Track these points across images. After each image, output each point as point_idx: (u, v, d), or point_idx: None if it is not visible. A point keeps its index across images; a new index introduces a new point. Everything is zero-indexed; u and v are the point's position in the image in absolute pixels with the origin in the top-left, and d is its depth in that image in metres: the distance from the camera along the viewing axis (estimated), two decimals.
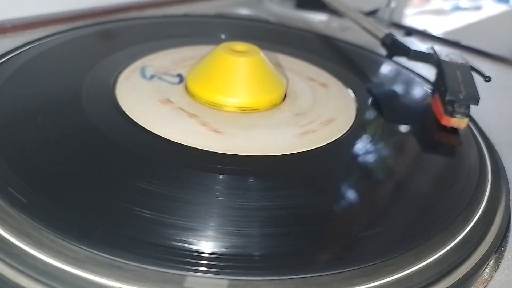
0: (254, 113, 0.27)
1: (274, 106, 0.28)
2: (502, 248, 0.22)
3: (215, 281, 0.16)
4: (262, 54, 0.29)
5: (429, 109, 0.30)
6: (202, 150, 0.23)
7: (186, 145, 0.23)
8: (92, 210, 0.19)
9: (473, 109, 0.30)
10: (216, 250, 0.18)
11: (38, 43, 0.32)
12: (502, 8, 0.89)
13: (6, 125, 0.23)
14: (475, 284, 0.20)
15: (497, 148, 0.29)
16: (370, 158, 0.25)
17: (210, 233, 0.18)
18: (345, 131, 0.27)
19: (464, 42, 0.50)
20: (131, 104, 0.26)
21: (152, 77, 0.29)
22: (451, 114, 0.27)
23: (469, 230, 0.21)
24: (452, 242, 0.20)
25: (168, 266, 0.17)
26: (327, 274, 0.17)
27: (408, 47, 0.31)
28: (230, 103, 0.27)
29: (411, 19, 0.70)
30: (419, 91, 0.35)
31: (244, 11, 0.50)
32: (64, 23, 0.41)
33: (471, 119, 0.31)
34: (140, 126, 0.24)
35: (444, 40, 0.50)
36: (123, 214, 0.19)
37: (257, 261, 0.18)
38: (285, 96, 0.30)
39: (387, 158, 0.26)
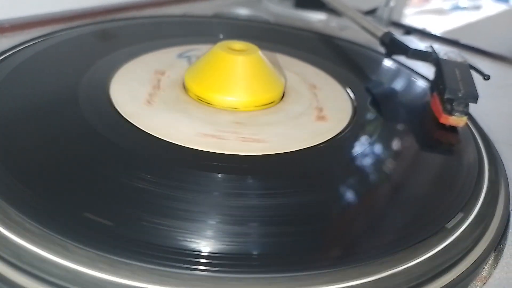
0: (252, 111, 0.27)
1: (272, 104, 0.28)
2: (501, 246, 0.22)
3: None
4: (260, 52, 0.29)
5: (428, 107, 0.30)
6: (196, 149, 0.23)
7: (179, 145, 0.23)
8: (87, 208, 0.19)
9: (473, 108, 0.30)
10: (212, 249, 0.18)
11: (34, 42, 0.32)
12: (501, 7, 0.88)
13: (2, 124, 0.23)
14: (474, 282, 0.20)
15: (497, 146, 0.29)
16: (368, 157, 0.25)
17: (203, 232, 0.18)
18: (342, 130, 0.27)
19: (464, 41, 0.50)
20: (125, 104, 0.26)
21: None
22: (450, 113, 0.27)
23: (467, 228, 0.21)
24: (450, 240, 0.20)
25: (168, 265, 0.16)
26: (322, 272, 0.17)
27: (406, 46, 0.31)
28: (227, 101, 0.27)
29: (410, 18, 0.70)
30: (418, 89, 0.35)
31: (243, 11, 0.50)
32: (63, 22, 0.41)
33: (471, 118, 0.31)
34: (133, 124, 0.24)
35: (443, 39, 0.50)
36: (121, 212, 0.19)
37: (254, 259, 0.17)
38: (283, 95, 0.30)
39: (385, 157, 0.26)
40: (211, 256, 0.17)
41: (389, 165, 0.25)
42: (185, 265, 0.17)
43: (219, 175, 0.21)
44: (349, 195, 0.22)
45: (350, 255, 0.19)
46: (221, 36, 0.34)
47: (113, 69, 0.30)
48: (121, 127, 0.24)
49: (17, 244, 0.17)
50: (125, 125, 0.24)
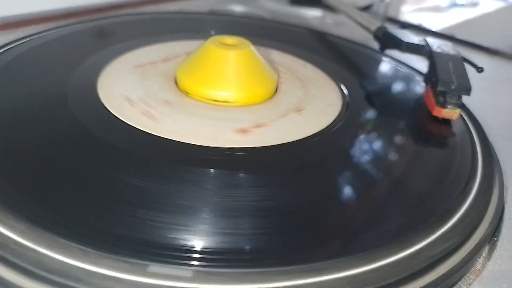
0: (244, 106, 0.27)
1: (265, 99, 0.28)
2: (495, 239, 0.22)
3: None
4: (252, 47, 0.29)
5: (422, 101, 0.30)
6: (185, 143, 0.23)
7: (168, 139, 0.23)
8: (76, 205, 0.19)
9: (469, 102, 0.30)
10: (203, 244, 0.17)
11: (25, 40, 0.32)
12: (499, 4, 0.88)
13: None
14: (468, 274, 0.20)
15: (492, 139, 0.29)
16: (359, 150, 0.25)
17: (195, 227, 0.18)
18: (334, 124, 0.27)
19: (460, 36, 0.50)
20: (113, 100, 0.26)
21: None
22: (443, 105, 0.27)
23: (461, 220, 0.21)
24: (443, 232, 0.20)
25: (159, 260, 0.16)
26: (315, 264, 0.17)
27: (400, 39, 0.31)
28: (219, 96, 0.27)
29: (408, 16, 0.70)
30: (411, 83, 0.35)
31: (238, 8, 0.50)
32: (56, 21, 0.41)
33: (466, 111, 0.31)
34: (120, 120, 0.24)
35: (439, 34, 0.50)
36: (111, 211, 0.18)
37: (246, 253, 0.17)
38: (276, 90, 0.30)
39: (377, 150, 0.26)
40: (203, 252, 0.17)
41: (381, 158, 0.25)
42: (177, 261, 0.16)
43: (212, 170, 0.21)
44: (341, 189, 0.22)
45: (343, 247, 0.18)
46: (212, 32, 0.34)
47: (103, 65, 0.30)
48: (107, 122, 0.24)
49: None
50: (111, 120, 0.24)
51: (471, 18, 0.81)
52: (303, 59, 0.35)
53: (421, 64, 0.32)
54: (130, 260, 0.16)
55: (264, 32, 0.41)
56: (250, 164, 0.22)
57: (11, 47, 0.31)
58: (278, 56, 0.35)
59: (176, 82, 0.29)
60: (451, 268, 0.19)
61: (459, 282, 0.20)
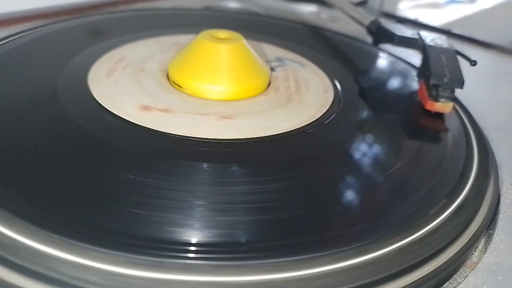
0: (236, 100, 0.27)
1: (257, 93, 0.28)
2: (491, 231, 0.22)
3: None
4: (244, 41, 0.28)
5: (415, 95, 0.30)
6: (178, 136, 0.23)
7: (158, 131, 0.23)
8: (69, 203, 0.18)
9: (465, 95, 0.30)
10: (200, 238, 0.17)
11: (16, 37, 0.32)
12: (497, 0, 0.88)
13: None
14: (464, 267, 0.20)
15: (488, 133, 0.29)
16: (351, 144, 0.25)
17: (192, 222, 0.18)
18: (327, 117, 0.27)
19: (457, 31, 0.50)
20: (107, 95, 0.26)
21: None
22: (436, 99, 0.27)
23: (456, 213, 0.21)
24: (438, 225, 0.20)
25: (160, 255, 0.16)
26: (309, 257, 0.17)
27: (393, 33, 0.31)
28: (212, 90, 0.27)
29: (405, 12, 0.70)
30: (406, 78, 0.35)
31: (233, 4, 0.50)
32: (49, 18, 0.40)
33: (461, 105, 0.31)
34: (117, 115, 0.24)
35: (435, 29, 0.50)
36: (106, 207, 0.18)
37: (242, 246, 0.17)
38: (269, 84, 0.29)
39: (370, 144, 0.25)
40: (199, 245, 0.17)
41: (374, 152, 0.25)
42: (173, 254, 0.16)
43: (205, 163, 0.21)
44: (332, 183, 0.22)
45: (335, 240, 0.18)
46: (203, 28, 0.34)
47: (93, 61, 0.30)
48: (97, 113, 0.24)
49: None
50: (101, 112, 0.24)
51: (469, 14, 0.81)
52: (297, 53, 0.35)
53: (417, 58, 0.32)
54: (122, 254, 0.16)
55: (258, 27, 0.41)
56: (240, 157, 0.22)
57: (2, 43, 0.31)
58: (272, 50, 0.35)
59: (168, 76, 0.28)
60: (446, 261, 0.19)
61: (455, 275, 0.20)
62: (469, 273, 0.20)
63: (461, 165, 0.24)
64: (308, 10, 0.52)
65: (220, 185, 0.20)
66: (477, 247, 0.21)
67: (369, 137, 0.26)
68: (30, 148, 0.21)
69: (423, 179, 0.23)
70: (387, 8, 0.54)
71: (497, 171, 0.26)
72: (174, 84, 0.28)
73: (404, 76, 0.35)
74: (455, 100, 0.27)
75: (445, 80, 0.26)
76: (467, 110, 0.30)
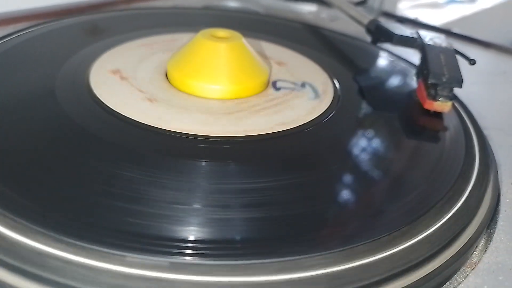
0: (235, 99, 0.27)
1: (257, 92, 0.28)
2: (491, 231, 0.22)
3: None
4: (243, 40, 0.28)
5: (414, 94, 0.30)
6: (177, 134, 0.23)
7: (163, 129, 0.23)
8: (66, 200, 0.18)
9: (464, 94, 0.30)
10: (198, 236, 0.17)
11: (14, 36, 0.32)
12: (497, 0, 0.88)
13: None
14: (464, 267, 0.20)
15: (488, 132, 0.29)
16: (350, 143, 0.25)
17: (189, 219, 0.18)
18: (325, 115, 0.26)
19: (456, 30, 0.50)
20: (108, 94, 0.26)
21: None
22: (434, 98, 0.27)
23: (456, 213, 0.21)
24: (439, 225, 0.20)
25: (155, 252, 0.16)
26: (309, 257, 0.17)
27: (391, 32, 0.31)
28: (210, 89, 0.27)
29: (405, 12, 0.70)
30: (405, 77, 0.34)
31: (232, 3, 0.50)
32: (48, 18, 0.40)
33: (461, 104, 0.31)
34: (119, 114, 0.24)
35: (435, 28, 0.50)
36: (103, 203, 0.18)
37: (238, 244, 0.17)
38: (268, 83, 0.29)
39: (369, 144, 0.25)
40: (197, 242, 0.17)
41: (372, 152, 0.25)
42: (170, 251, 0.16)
43: (203, 161, 0.21)
44: (330, 181, 0.22)
45: (335, 239, 0.18)
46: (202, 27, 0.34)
47: (92, 60, 0.29)
48: (101, 115, 0.24)
49: None
50: (105, 114, 0.24)
51: (469, 14, 0.81)
52: (297, 52, 0.35)
53: (416, 57, 0.32)
54: (118, 252, 0.16)
55: (258, 26, 0.41)
56: (238, 154, 0.22)
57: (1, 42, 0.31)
58: (271, 49, 0.35)
59: (166, 75, 0.28)
60: (446, 261, 0.19)
61: (455, 275, 0.20)
62: (470, 273, 0.20)
63: (461, 164, 0.24)
64: (308, 9, 0.52)
65: (218, 183, 0.20)
66: (477, 246, 0.21)
67: (368, 136, 0.26)
68: (29, 147, 0.21)
69: (422, 178, 0.22)
70: (387, 7, 0.54)
71: (497, 171, 0.26)
72: (173, 83, 0.28)
73: (403, 75, 0.35)
74: (454, 99, 0.27)
75: (444, 79, 0.26)
76: (467, 109, 0.30)
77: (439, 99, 0.27)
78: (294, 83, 0.29)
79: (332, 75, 0.32)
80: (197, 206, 0.19)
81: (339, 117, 0.27)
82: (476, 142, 0.27)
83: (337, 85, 0.31)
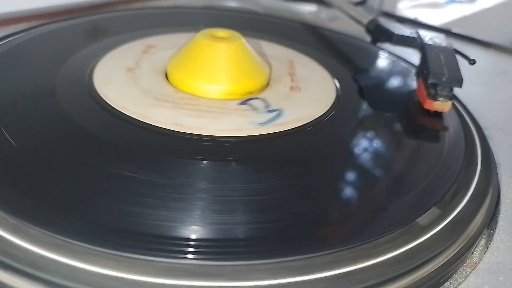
0: (235, 99, 0.27)
1: (257, 92, 0.28)
2: (491, 231, 0.22)
3: None
4: (243, 40, 0.28)
5: (414, 94, 0.30)
6: (181, 135, 0.23)
7: (165, 128, 0.23)
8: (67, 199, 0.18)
9: (464, 94, 0.30)
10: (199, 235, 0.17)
11: (14, 37, 0.32)
12: (496, 0, 0.88)
13: None
14: (464, 267, 0.20)
15: (486, 132, 0.29)
16: (350, 143, 0.25)
17: (191, 219, 0.18)
18: (325, 115, 0.26)
19: (456, 30, 0.50)
20: (110, 94, 0.26)
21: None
22: (434, 98, 0.27)
23: (457, 212, 0.21)
24: (440, 225, 0.20)
25: (155, 255, 0.16)
26: (310, 257, 0.17)
27: (391, 32, 0.31)
28: (210, 89, 0.27)
29: (405, 12, 0.70)
30: (405, 77, 0.34)
31: (232, 3, 0.50)
32: (49, 18, 0.40)
33: (461, 104, 0.31)
34: (124, 114, 0.24)
35: (435, 28, 0.50)
36: (105, 205, 0.18)
37: (241, 245, 0.17)
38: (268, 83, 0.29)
39: (369, 144, 0.25)
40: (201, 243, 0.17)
41: (372, 152, 0.25)
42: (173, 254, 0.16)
43: (203, 161, 0.21)
44: (330, 180, 0.22)
45: (335, 240, 0.18)
46: (202, 26, 0.34)
47: (94, 59, 0.29)
48: (105, 114, 0.24)
49: None
50: (108, 112, 0.24)
51: (469, 14, 0.81)
52: (297, 52, 0.35)
53: (416, 57, 0.32)
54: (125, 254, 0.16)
55: (258, 26, 0.41)
56: (238, 154, 0.22)
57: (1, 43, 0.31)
58: (271, 49, 0.35)
59: (166, 75, 0.28)
60: (446, 261, 0.19)
61: (455, 275, 0.20)
62: (470, 273, 0.20)
63: (461, 164, 0.24)
64: (308, 9, 0.52)
65: (219, 182, 0.20)
66: (477, 246, 0.21)
67: (368, 136, 0.25)
68: (30, 147, 0.21)
69: (422, 178, 0.22)
70: (387, 7, 0.54)
71: (497, 171, 0.26)
72: (172, 83, 0.28)
73: (403, 75, 0.35)
74: (454, 99, 0.27)
75: (444, 79, 0.26)
76: (467, 109, 0.30)
77: (439, 99, 0.27)
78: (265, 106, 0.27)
79: (332, 74, 0.32)
80: (198, 205, 0.19)
81: (339, 116, 0.27)
82: (476, 142, 0.27)
83: (337, 84, 0.31)
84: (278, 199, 0.20)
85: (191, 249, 0.17)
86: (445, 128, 0.27)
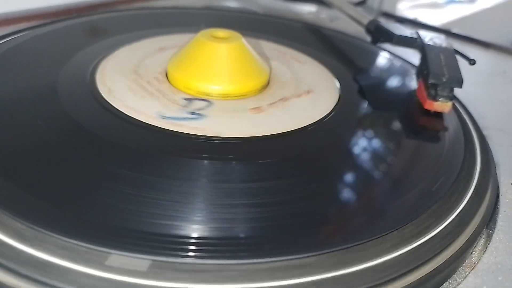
0: (235, 99, 0.27)
1: (257, 92, 0.28)
2: (490, 231, 0.22)
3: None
4: (243, 40, 0.28)
5: (414, 94, 0.30)
6: (184, 135, 0.23)
7: (167, 129, 0.23)
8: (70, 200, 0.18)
9: (464, 94, 0.30)
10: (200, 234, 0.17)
11: (14, 36, 0.32)
12: (496, 0, 0.88)
13: None
14: (463, 267, 0.20)
15: (485, 132, 0.29)
16: (351, 143, 0.25)
17: (193, 218, 0.18)
18: (326, 116, 0.26)
19: (455, 30, 0.50)
20: (113, 94, 0.26)
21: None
22: (434, 98, 0.27)
23: (456, 213, 0.21)
24: (438, 225, 0.20)
25: (152, 253, 0.16)
26: (310, 256, 0.17)
27: (391, 32, 0.31)
28: (211, 89, 0.27)
29: (405, 12, 0.70)
30: (405, 77, 0.34)
31: (232, 4, 0.50)
32: (49, 18, 0.40)
33: (461, 104, 0.31)
34: (124, 114, 0.24)
35: (435, 29, 0.50)
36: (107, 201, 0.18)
37: (241, 244, 0.17)
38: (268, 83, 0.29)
39: (369, 144, 0.25)
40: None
41: (373, 152, 0.25)
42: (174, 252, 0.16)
43: (205, 161, 0.21)
44: (332, 180, 0.22)
45: (333, 239, 0.18)
46: (202, 26, 0.34)
47: (96, 60, 0.30)
48: (107, 114, 0.24)
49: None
50: (115, 116, 0.24)
51: (468, 14, 0.81)
52: (297, 51, 0.35)
53: (416, 57, 0.32)
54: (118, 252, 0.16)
55: (257, 26, 0.41)
56: (239, 154, 0.22)
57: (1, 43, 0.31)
58: (271, 49, 0.35)
59: (167, 76, 0.28)
60: (445, 261, 0.19)
61: (454, 275, 0.20)
62: (469, 273, 0.20)
63: (460, 164, 0.24)
64: (307, 10, 0.52)
65: (219, 182, 0.20)
66: (476, 247, 0.21)
67: (368, 136, 0.26)
68: (32, 147, 0.21)
69: (422, 178, 0.22)
70: (387, 8, 0.54)
71: (495, 170, 0.26)
72: (173, 83, 0.28)
73: (403, 75, 0.35)
74: (454, 99, 0.27)
75: (444, 80, 0.26)
76: (467, 109, 0.30)
77: (439, 99, 0.27)
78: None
79: (332, 74, 0.32)
80: (198, 205, 0.19)
81: (339, 116, 0.27)
82: (476, 142, 0.27)
83: (338, 84, 0.31)
84: (280, 199, 0.20)
85: (192, 247, 0.17)
86: (446, 129, 0.27)
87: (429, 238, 0.19)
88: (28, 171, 0.20)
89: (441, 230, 0.19)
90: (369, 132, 0.26)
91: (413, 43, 0.30)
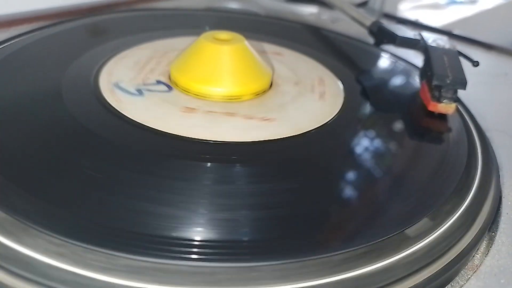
0: (238, 102, 0.27)
1: (260, 94, 0.28)
2: (492, 233, 0.22)
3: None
4: (245, 42, 0.28)
5: (418, 96, 0.30)
6: (185, 138, 0.23)
7: (169, 133, 0.23)
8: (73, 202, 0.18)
9: (466, 96, 0.30)
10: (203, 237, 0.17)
11: (18, 39, 0.32)
12: (498, 1, 0.88)
13: None
14: (465, 270, 0.20)
15: (489, 134, 0.29)
16: (356, 145, 0.25)
17: (197, 221, 0.18)
18: (331, 118, 0.26)
19: (457, 32, 0.50)
20: (116, 97, 0.26)
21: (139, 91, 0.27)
22: (438, 100, 0.27)
23: (458, 215, 0.21)
24: (441, 227, 0.20)
25: (160, 256, 0.16)
26: (313, 259, 0.17)
27: (394, 34, 0.31)
28: (214, 92, 0.27)
29: (406, 13, 0.70)
30: (408, 79, 0.34)
31: (233, 5, 0.50)
32: (50, 19, 0.40)
33: (463, 106, 0.31)
34: (127, 117, 0.24)
35: (436, 30, 0.50)
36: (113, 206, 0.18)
37: (245, 247, 0.17)
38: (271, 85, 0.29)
39: (373, 146, 0.25)
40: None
41: (376, 154, 0.25)
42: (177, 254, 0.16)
43: (207, 163, 0.21)
44: (336, 183, 0.22)
45: (333, 242, 0.18)
46: (207, 28, 0.34)
47: (100, 62, 0.30)
48: (110, 118, 0.24)
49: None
50: (114, 116, 0.24)
51: (470, 15, 0.81)
52: (299, 53, 0.35)
53: (419, 59, 0.32)
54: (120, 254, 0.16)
55: (259, 28, 0.41)
56: (243, 158, 0.22)
57: (3, 46, 0.31)
58: (274, 51, 0.35)
59: (170, 78, 0.28)
60: (448, 264, 0.19)
61: (457, 278, 0.20)
62: (471, 275, 0.20)
63: (463, 166, 0.24)
64: (309, 11, 0.52)
65: (223, 185, 0.20)
66: (478, 249, 0.21)
67: (372, 138, 0.25)
68: (36, 147, 0.21)
69: (425, 180, 0.23)
70: (388, 9, 0.54)
71: (499, 173, 0.26)
72: (176, 86, 0.28)
73: (406, 77, 0.35)
74: (458, 101, 0.27)
75: (448, 81, 0.26)
76: (469, 111, 0.30)
77: (443, 101, 0.27)
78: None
79: (335, 76, 0.32)
80: (202, 207, 0.19)
81: (343, 118, 0.27)
82: (478, 144, 0.27)
83: (341, 86, 0.31)
84: (277, 202, 0.20)
85: (194, 249, 0.17)
86: (449, 130, 0.27)
87: (431, 241, 0.19)
88: (31, 173, 0.20)
89: (443, 232, 0.19)
90: (373, 134, 0.26)
91: (416, 44, 0.30)
